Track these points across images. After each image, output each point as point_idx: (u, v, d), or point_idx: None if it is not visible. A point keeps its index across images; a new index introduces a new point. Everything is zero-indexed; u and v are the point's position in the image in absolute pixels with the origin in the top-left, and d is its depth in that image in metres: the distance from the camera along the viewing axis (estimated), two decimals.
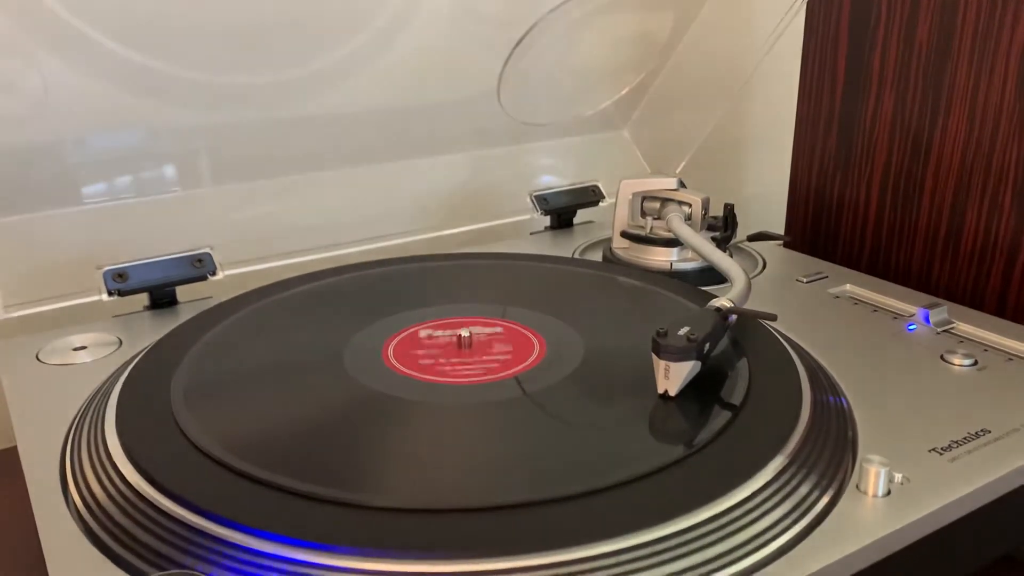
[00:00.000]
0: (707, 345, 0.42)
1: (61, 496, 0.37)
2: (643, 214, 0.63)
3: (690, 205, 0.61)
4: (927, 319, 0.52)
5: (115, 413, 0.41)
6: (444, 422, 0.41)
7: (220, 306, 0.54)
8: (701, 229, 0.61)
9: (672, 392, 0.41)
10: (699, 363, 0.42)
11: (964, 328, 0.52)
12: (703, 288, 0.56)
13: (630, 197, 0.63)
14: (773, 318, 0.45)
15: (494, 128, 0.73)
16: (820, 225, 0.71)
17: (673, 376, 0.41)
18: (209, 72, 0.57)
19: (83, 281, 0.56)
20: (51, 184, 0.57)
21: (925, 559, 0.37)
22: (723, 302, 0.46)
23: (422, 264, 0.61)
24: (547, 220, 0.75)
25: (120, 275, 0.56)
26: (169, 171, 0.61)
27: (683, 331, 0.41)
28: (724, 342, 0.46)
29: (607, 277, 0.58)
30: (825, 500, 0.36)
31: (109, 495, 0.36)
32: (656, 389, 0.41)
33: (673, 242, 0.61)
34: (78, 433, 0.41)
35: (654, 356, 0.41)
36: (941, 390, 0.45)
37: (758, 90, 0.84)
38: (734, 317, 0.46)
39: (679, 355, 0.41)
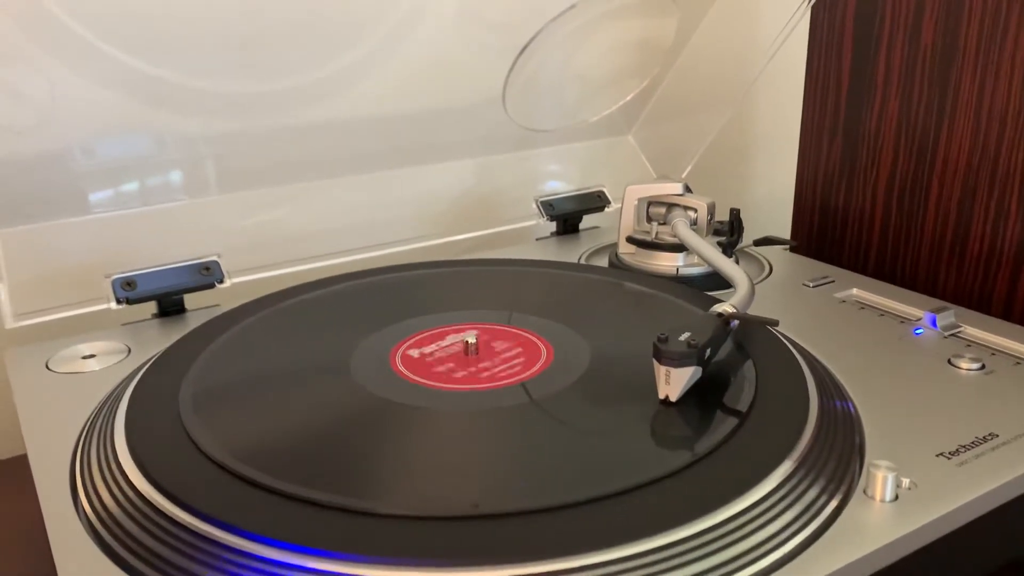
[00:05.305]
0: (708, 351, 0.42)
1: (71, 504, 0.38)
2: (649, 219, 0.63)
3: (696, 210, 0.61)
4: (934, 323, 0.52)
5: (124, 421, 0.41)
6: (451, 429, 0.41)
7: (228, 314, 0.54)
8: (707, 234, 0.61)
9: (673, 397, 0.41)
10: (700, 369, 0.42)
11: (971, 332, 0.52)
12: (710, 293, 0.56)
13: (636, 202, 0.63)
14: (775, 323, 0.45)
15: (499, 134, 0.73)
16: (826, 229, 0.71)
17: (674, 382, 0.41)
18: (216, 80, 0.57)
19: (91, 290, 0.56)
20: (59, 193, 0.57)
21: (933, 564, 0.37)
22: (725, 307, 0.46)
23: (428, 271, 0.61)
24: (553, 226, 0.75)
25: (128, 283, 0.56)
26: (176, 179, 0.61)
27: (684, 336, 0.41)
28: (731, 347, 0.46)
29: (613, 283, 0.58)
30: (833, 505, 0.36)
31: (119, 503, 0.36)
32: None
33: (679, 247, 0.61)
34: (88, 441, 0.41)
35: (655, 361, 0.41)
36: (948, 394, 0.45)
37: (763, 94, 0.84)
38: (736, 322, 0.46)
39: (679, 360, 0.41)
